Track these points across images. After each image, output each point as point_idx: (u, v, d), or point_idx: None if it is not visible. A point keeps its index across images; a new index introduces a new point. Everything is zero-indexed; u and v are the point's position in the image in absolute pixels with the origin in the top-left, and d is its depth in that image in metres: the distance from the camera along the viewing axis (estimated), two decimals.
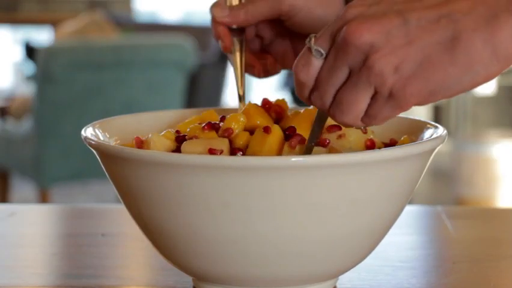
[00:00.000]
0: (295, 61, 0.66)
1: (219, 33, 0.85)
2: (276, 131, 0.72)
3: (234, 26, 0.85)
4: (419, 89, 0.63)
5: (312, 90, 0.66)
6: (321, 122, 0.71)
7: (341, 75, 0.64)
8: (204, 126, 0.74)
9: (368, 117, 0.66)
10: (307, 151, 0.71)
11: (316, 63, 0.65)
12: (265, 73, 0.89)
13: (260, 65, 0.88)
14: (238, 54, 0.85)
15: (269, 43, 0.89)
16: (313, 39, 0.65)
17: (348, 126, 0.67)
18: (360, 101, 0.65)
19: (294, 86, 0.68)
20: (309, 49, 0.65)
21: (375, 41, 0.62)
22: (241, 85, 0.85)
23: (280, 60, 0.90)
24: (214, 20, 0.85)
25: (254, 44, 0.89)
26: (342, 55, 0.63)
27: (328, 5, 0.86)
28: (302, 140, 0.72)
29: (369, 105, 0.65)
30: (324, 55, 0.65)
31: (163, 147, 0.74)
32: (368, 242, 0.72)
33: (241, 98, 0.84)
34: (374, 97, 0.64)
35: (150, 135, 0.75)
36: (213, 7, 0.85)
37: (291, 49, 0.90)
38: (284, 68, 0.90)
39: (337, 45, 0.64)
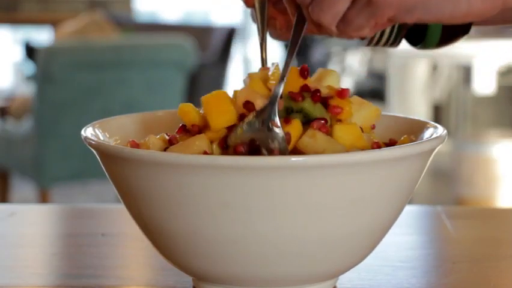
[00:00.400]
0: None
1: None
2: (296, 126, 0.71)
3: None
4: (399, 0, 0.65)
5: None
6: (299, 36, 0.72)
7: None
8: (177, 131, 0.74)
9: (343, 23, 0.67)
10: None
11: None
12: (288, 29, 0.87)
13: (283, 19, 0.87)
14: (259, 10, 0.84)
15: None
16: None
17: (323, 28, 0.68)
18: (341, 1, 0.67)
19: None
20: None
21: None
22: (264, 46, 0.83)
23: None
24: None
25: (279, 4, 0.88)
26: None
27: None
28: (323, 126, 0.71)
29: (347, 10, 0.67)
30: None
31: (159, 150, 0.73)
32: (368, 242, 0.72)
33: (264, 61, 0.82)
34: (353, 2, 0.67)
35: (147, 138, 0.75)
36: None
37: None
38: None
39: None
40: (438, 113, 4.73)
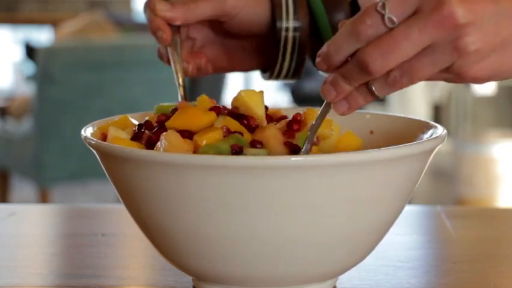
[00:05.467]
0: (359, 15, 0.65)
1: (158, 25, 0.84)
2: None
3: (177, 23, 0.84)
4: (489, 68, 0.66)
5: (363, 48, 0.65)
6: (322, 119, 0.71)
7: (420, 48, 0.64)
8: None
9: (402, 70, 0.66)
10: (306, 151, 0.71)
11: (383, 28, 0.64)
12: (199, 72, 0.89)
13: (194, 63, 0.88)
14: (176, 50, 0.85)
15: (200, 46, 0.90)
16: (388, 6, 0.64)
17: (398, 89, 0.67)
18: (432, 72, 0.65)
19: (339, 33, 0.66)
20: (378, 12, 0.64)
21: (471, 21, 0.64)
22: (182, 82, 0.85)
23: (212, 63, 0.90)
24: (153, 12, 0.84)
25: (186, 44, 0.89)
26: (432, 31, 0.63)
27: (261, 4, 0.86)
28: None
29: (415, 56, 0.65)
30: (396, 25, 0.64)
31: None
32: (368, 242, 0.72)
33: (184, 97, 0.84)
34: (428, 47, 0.65)
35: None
36: (154, 0, 0.84)
37: (223, 54, 0.90)
38: (215, 71, 0.90)
39: (427, 20, 0.63)
40: (438, 113, 4.73)
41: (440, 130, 0.74)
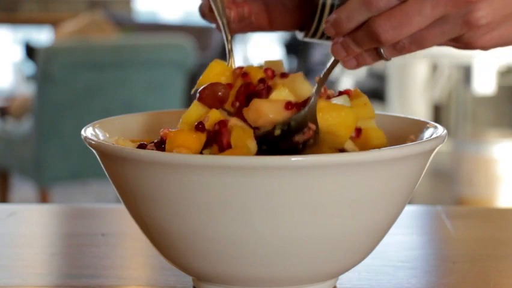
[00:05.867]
0: None
1: None
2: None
3: None
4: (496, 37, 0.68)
5: (375, 19, 0.66)
6: (330, 72, 0.73)
7: (431, 21, 0.66)
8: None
9: (412, 39, 0.67)
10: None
11: (394, 0, 0.66)
12: (240, 22, 0.88)
13: (236, 11, 0.87)
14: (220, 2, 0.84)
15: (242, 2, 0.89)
16: None
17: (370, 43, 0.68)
18: (441, 41, 0.67)
19: (351, 1, 0.67)
20: None
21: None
22: (230, 36, 0.83)
23: (254, 19, 0.89)
24: None
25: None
26: (444, 6, 0.65)
27: None
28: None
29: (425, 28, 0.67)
30: None
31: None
32: (368, 242, 0.72)
33: (230, 49, 0.82)
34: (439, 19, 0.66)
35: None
36: None
37: (264, 11, 0.89)
38: (255, 28, 0.89)
39: None
40: (438, 113, 4.73)
41: (440, 130, 0.74)
